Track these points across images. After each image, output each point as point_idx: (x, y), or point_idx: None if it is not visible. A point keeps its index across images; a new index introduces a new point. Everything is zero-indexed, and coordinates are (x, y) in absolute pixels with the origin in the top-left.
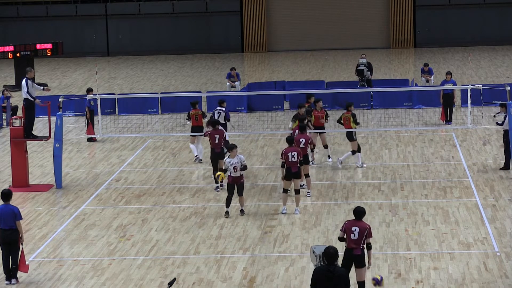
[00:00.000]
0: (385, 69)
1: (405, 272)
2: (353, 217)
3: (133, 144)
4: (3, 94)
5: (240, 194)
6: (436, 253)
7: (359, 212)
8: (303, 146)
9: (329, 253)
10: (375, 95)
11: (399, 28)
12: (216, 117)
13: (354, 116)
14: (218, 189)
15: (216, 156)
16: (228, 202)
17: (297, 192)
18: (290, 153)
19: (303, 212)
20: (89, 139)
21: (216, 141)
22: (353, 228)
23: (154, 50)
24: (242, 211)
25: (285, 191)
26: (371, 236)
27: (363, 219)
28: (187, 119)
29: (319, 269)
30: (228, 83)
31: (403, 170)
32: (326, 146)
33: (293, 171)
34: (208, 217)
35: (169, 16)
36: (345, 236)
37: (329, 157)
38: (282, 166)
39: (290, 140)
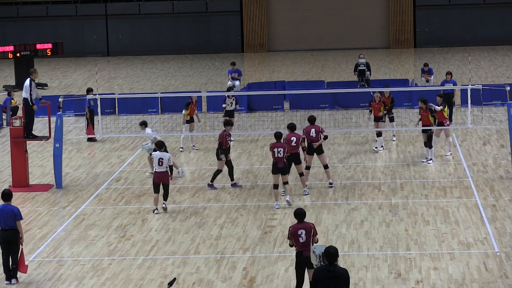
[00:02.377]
0: (385, 69)
1: (405, 272)
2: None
3: (133, 144)
4: (9, 95)
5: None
6: (436, 253)
7: (300, 214)
8: (295, 144)
9: (330, 252)
10: None
11: (399, 28)
12: (228, 107)
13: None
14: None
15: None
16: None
17: (285, 183)
18: (276, 148)
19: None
20: (89, 139)
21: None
22: (299, 232)
23: (154, 50)
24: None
25: (275, 186)
26: (317, 234)
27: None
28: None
29: (320, 269)
30: (229, 82)
31: (403, 170)
32: (379, 134)
33: (279, 166)
34: (208, 217)
35: (169, 16)
36: (293, 242)
37: (382, 146)
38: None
39: (278, 135)
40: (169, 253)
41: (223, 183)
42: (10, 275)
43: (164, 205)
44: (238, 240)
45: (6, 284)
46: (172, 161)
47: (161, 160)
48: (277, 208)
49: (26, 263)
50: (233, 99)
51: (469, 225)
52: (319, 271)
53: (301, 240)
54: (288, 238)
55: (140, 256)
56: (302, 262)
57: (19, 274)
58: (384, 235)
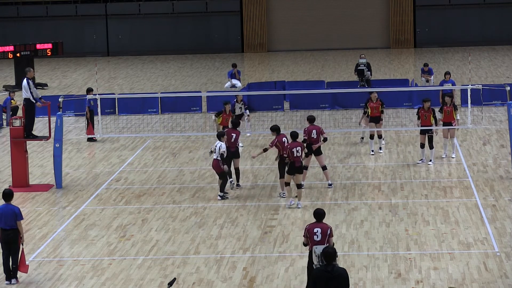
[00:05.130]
0: (385, 69)
1: (405, 272)
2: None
3: (133, 144)
4: (10, 95)
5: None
6: (436, 253)
7: (319, 214)
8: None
9: (328, 252)
10: None
11: (399, 28)
12: (237, 112)
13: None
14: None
15: (231, 155)
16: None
17: (299, 186)
18: (295, 148)
19: (303, 212)
20: (89, 139)
21: (232, 140)
22: (315, 230)
23: (154, 50)
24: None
25: (287, 184)
26: (333, 236)
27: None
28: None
29: (318, 269)
30: (228, 83)
31: (403, 170)
32: (380, 136)
33: (296, 165)
34: (208, 217)
35: (169, 16)
36: (308, 240)
37: (380, 148)
38: (282, 159)
39: (294, 135)
40: (169, 253)
41: None
42: (10, 275)
43: (218, 196)
44: (238, 240)
45: (6, 284)
46: (224, 150)
47: (215, 148)
48: (292, 204)
49: (27, 263)
50: (242, 104)
51: (469, 225)
52: (318, 272)
53: (315, 239)
54: (304, 235)
55: (140, 256)
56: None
57: (19, 274)
58: (384, 235)
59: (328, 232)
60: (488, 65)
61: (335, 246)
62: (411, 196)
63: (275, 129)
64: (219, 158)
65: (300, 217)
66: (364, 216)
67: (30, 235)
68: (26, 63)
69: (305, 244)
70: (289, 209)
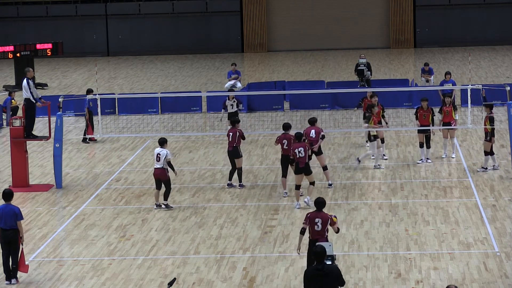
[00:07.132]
0: (385, 69)
1: (405, 272)
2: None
3: (133, 144)
4: (9, 95)
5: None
6: (436, 253)
7: (320, 203)
8: (286, 147)
9: (317, 252)
10: None
11: (399, 28)
12: (229, 109)
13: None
14: (230, 186)
15: (229, 155)
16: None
17: (312, 184)
18: (297, 149)
19: (302, 212)
20: (90, 139)
21: (230, 139)
22: (316, 220)
23: (154, 50)
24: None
25: (297, 187)
26: (335, 223)
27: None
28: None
29: (310, 269)
30: (228, 83)
31: (403, 170)
32: (382, 141)
33: (300, 166)
34: (208, 217)
35: (169, 16)
36: (308, 228)
37: (373, 155)
38: (291, 163)
39: (299, 136)
40: (169, 253)
41: (223, 183)
42: (10, 275)
43: (162, 205)
44: (238, 240)
45: (6, 284)
46: (170, 157)
47: (158, 155)
48: (298, 208)
49: (26, 263)
50: (234, 101)
51: (469, 225)
52: (309, 272)
53: (316, 228)
54: (304, 222)
55: (140, 256)
56: None
57: (19, 274)
58: (384, 235)
59: (329, 221)
60: (488, 65)
61: (328, 244)
62: (411, 196)
63: (283, 127)
64: (164, 166)
65: (300, 217)
66: (364, 216)
67: (30, 235)
68: (26, 63)
69: (302, 232)
70: (290, 209)
